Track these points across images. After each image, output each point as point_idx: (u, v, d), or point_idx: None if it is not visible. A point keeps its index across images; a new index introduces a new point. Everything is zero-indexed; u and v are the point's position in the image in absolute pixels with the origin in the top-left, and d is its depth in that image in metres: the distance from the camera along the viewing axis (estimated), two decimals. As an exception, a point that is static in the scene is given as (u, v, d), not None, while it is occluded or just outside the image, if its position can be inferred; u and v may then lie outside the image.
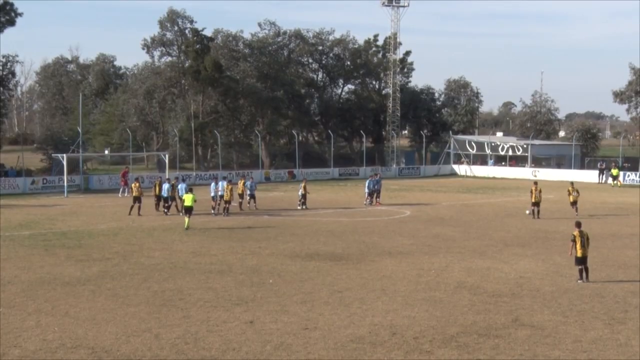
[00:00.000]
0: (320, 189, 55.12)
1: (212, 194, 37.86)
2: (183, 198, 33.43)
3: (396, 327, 15.43)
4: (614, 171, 61.71)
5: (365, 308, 17.07)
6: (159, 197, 38.90)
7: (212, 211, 37.55)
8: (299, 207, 39.78)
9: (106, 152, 67.18)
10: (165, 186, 38.39)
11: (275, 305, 17.24)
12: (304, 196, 40.08)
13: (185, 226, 31.60)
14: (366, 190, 43.20)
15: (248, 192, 40.39)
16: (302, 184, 40.63)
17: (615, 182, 60.97)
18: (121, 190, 50.12)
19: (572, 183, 40.85)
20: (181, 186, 38.02)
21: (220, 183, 38.29)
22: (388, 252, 25.43)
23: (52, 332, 14.88)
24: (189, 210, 31.96)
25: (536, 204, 36.14)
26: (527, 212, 36.91)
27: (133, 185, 39.41)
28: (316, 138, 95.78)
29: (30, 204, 44.11)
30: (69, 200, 46.56)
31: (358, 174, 71.44)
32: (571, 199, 37.82)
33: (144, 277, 20.53)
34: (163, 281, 20.04)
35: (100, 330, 15.01)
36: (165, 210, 37.82)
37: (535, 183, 37.43)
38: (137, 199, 37.67)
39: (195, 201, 32.56)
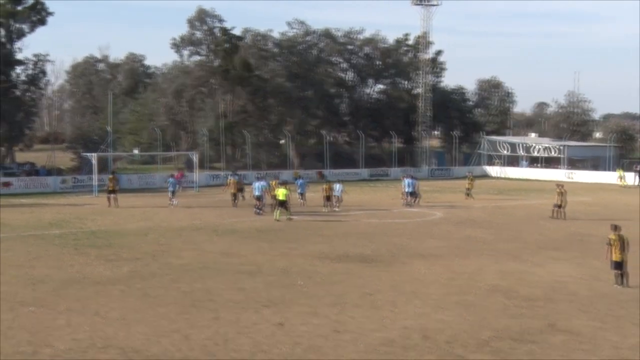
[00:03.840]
0: (350, 190, 55.04)
1: (257, 193, 38.44)
2: (276, 193, 36.04)
3: (428, 330, 15.34)
4: (619, 171, 62.14)
5: (397, 311, 16.99)
6: (235, 195, 41.84)
7: (255, 209, 38.26)
8: (335, 209, 39.83)
9: (135, 151, 67.84)
10: (257, 184, 38.93)
11: (305, 307, 17.23)
12: (328, 198, 40.25)
13: (276, 217, 34.51)
14: (406, 190, 43.06)
15: (299, 190, 41.70)
16: (325, 186, 40.75)
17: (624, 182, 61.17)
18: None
19: (470, 172, 41.18)
20: (257, 185, 38.92)
21: (257, 184, 39.25)
22: (419, 254, 25.31)
23: (83, 332, 15.02)
24: (282, 204, 34.84)
25: (560, 205, 36.06)
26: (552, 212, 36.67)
27: (230, 181, 42.75)
28: (346, 138, 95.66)
29: (60, 202, 44.65)
30: (99, 200, 47.02)
31: (388, 175, 71.24)
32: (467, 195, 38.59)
33: (173, 278, 20.67)
34: (193, 282, 20.15)
35: (130, 331, 15.12)
36: (258, 211, 37.91)
37: (560, 186, 37.37)
38: (235, 194, 41.37)
39: (287, 196, 34.97)
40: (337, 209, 39.77)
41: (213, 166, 74.26)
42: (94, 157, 51.12)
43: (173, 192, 42.11)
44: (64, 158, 73.86)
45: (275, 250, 26.02)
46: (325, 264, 23.09)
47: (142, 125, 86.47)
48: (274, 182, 40.72)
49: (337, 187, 41.37)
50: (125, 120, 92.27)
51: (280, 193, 35.41)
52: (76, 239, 28.43)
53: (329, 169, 70.50)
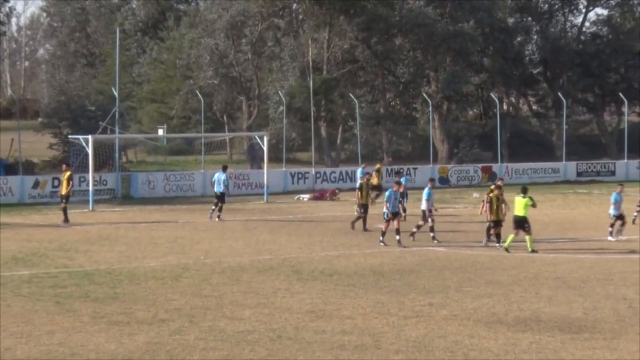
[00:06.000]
0: (542, 201, 54.47)
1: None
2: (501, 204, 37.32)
3: None
4: None
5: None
6: (365, 207, 42.53)
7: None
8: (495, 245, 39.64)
9: (160, 132, 68.90)
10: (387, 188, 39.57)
11: (460, 412, 17.12)
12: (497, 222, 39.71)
13: (529, 248, 36.03)
14: None
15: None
16: (492, 194, 40.23)
17: None
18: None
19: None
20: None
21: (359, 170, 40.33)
22: (671, 319, 24.76)
23: None
24: (521, 224, 36.08)
25: None
26: None
27: (371, 177, 44.43)
28: (534, 107, 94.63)
29: (31, 222, 45.85)
30: (98, 216, 48.04)
31: (613, 173, 70.01)
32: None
33: (225, 354, 20.89)
34: (258, 362, 20.31)
35: None
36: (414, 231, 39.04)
37: None
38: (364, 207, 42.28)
39: (534, 205, 36.43)
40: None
41: (295, 157, 74.93)
42: (89, 141, 52.12)
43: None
44: (37, 144, 75.62)
45: (404, 307, 25.92)
46: (496, 334, 22.85)
47: (171, 87, 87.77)
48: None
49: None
50: (144, 78, 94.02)
51: (520, 204, 36.22)
52: (58, 286, 29.00)
53: (503, 163, 69.97)
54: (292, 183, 63.33)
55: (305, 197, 57.74)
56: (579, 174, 69.77)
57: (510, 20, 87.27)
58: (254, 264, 33.28)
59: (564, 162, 71.48)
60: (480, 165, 70.13)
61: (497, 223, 37.05)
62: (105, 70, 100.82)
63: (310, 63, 74.45)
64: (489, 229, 38.43)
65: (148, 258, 34.71)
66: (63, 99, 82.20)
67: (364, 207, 42.46)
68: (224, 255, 35.47)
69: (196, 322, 24.11)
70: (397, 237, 37.41)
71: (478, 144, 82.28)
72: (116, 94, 61.80)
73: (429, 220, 39.04)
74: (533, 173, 68.66)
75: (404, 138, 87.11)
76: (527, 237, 36.17)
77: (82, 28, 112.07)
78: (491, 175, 66.46)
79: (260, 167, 61.17)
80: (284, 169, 64.75)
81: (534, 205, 36.68)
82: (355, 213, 43.61)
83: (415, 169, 65.35)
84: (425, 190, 39.52)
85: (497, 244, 36.75)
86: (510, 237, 36.10)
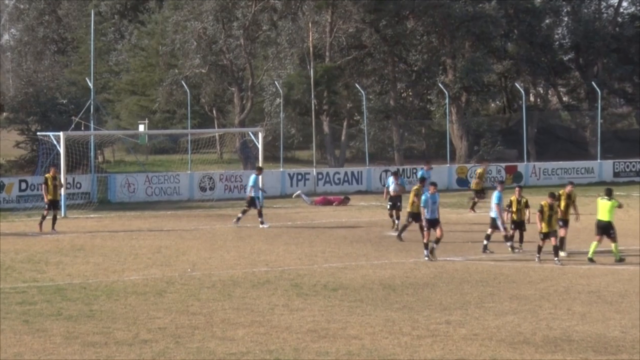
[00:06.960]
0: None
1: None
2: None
3: None
4: None
5: None
6: (414, 217, 41.52)
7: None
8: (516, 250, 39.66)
9: (141, 127, 68.92)
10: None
11: None
12: (519, 225, 39.52)
13: (616, 256, 37.07)
14: None
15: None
16: (512, 198, 40.35)
17: None
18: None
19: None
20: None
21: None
22: None
23: None
24: (607, 230, 36.93)
25: None
26: None
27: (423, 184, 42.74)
28: (565, 98, 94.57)
29: (-5, 230, 45.85)
30: (71, 224, 48.00)
31: (655, 173, 70.00)
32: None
33: (215, 380, 20.92)
34: (253, 389, 20.35)
35: None
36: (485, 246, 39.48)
37: None
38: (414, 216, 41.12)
39: (620, 206, 37.91)
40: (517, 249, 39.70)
41: (294, 156, 74.90)
42: (60, 139, 52.09)
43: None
44: (2, 142, 75.60)
45: (418, 325, 25.92)
46: (522, 355, 22.84)
47: (153, 77, 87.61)
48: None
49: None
50: (122, 67, 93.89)
51: (604, 208, 37.25)
52: (26, 302, 29.04)
53: (530, 162, 69.96)
54: (291, 185, 63.22)
55: (307, 198, 57.74)
56: (615, 174, 69.59)
57: (538, 0, 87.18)
58: (248, 277, 33.32)
59: (599, 160, 71.34)
60: (503, 164, 69.95)
61: (546, 235, 36.95)
62: (78, 59, 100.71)
63: (311, 49, 74.37)
64: (506, 237, 38.82)
65: (128, 271, 34.76)
66: (31, 90, 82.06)
67: (413, 217, 41.37)
68: (214, 267, 35.51)
69: (183, 343, 24.14)
70: (434, 246, 37.63)
71: (501, 140, 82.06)
72: (91, 85, 61.80)
73: (503, 228, 39.30)
74: (564, 173, 68.40)
75: (417, 134, 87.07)
76: (612, 245, 36.84)
77: (52, 10, 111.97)
78: (516, 176, 66.42)
79: (253, 166, 61.04)
80: (281, 170, 64.70)
81: (620, 206, 37.79)
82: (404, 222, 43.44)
83: (430, 169, 65.17)
84: (495, 194, 39.79)
85: (556, 258, 36.74)
86: (594, 244, 36.86)
